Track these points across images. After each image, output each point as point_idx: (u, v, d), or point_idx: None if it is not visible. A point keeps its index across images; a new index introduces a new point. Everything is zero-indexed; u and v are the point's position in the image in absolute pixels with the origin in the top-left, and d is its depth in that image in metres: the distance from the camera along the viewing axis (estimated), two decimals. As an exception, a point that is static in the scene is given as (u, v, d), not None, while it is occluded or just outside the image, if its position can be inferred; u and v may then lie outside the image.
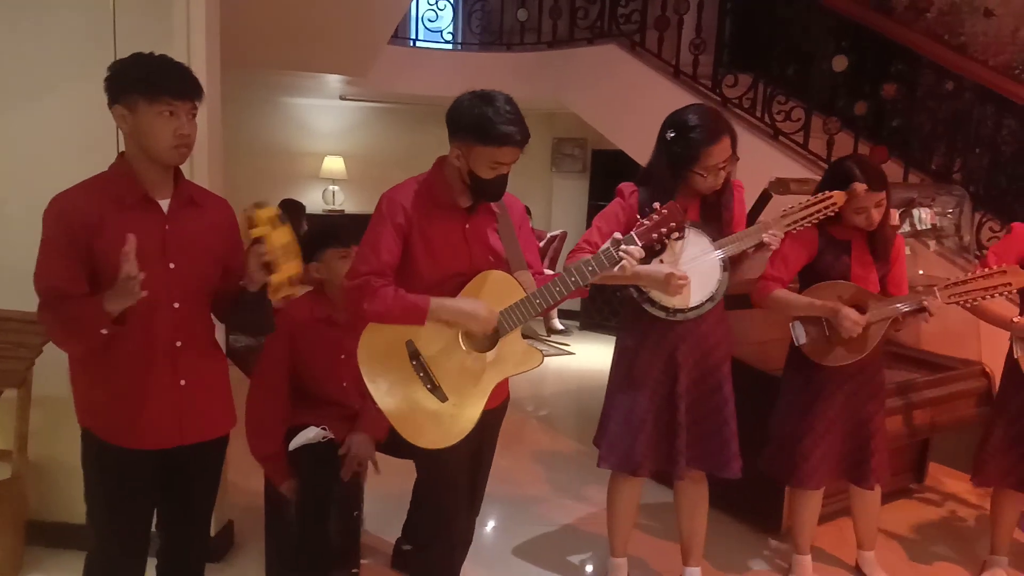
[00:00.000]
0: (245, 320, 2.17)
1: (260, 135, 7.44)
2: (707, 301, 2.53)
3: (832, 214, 2.54)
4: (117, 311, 1.80)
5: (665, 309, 2.53)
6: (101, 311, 1.78)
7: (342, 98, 7.67)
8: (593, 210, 7.92)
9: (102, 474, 2.00)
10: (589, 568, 3.15)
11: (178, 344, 1.96)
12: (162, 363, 1.95)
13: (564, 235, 7.45)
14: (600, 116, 5.83)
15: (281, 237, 1.92)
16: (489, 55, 6.62)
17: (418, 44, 6.99)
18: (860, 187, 2.57)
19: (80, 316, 1.83)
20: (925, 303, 2.57)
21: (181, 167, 2.02)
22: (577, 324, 7.89)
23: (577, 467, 4.24)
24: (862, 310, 2.64)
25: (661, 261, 2.47)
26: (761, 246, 2.47)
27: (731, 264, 2.54)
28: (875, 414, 2.81)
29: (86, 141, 2.71)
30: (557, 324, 7.61)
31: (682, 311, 2.53)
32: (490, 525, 3.48)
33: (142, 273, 1.74)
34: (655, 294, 2.52)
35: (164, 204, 1.96)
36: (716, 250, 2.50)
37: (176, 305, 1.95)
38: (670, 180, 2.50)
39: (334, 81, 6.59)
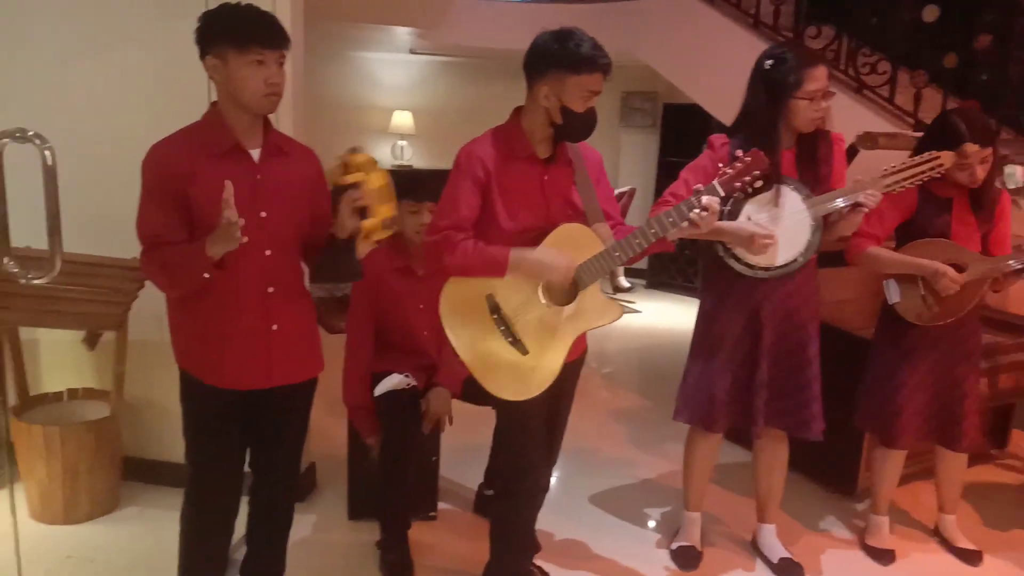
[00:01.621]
0: (336, 266, 2.18)
1: (329, 89, 7.49)
2: (793, 261, 2.48)
3: (939, 176, 2.45)
4: (218, 256, 1.86)
5: (750, 266, 2.50)
6: (203, 256, 1.84)
7: (412, 52, 7.65)
8: (663, 166, 7.81)
9: (198, 413, 2.09)
10: (653, 522, 3.18)
11: (270, 290, 2.02)
12: (254, 308, 2.01)
13: (633, 191, 7.36)
14: (674, 68, 5.70)
15: (379, 180, 1.97)
16: (559, 6, 6.51)
17: (488, -4, 6.92)
18: (971, 147, 2.47)
19: (183, 262, 1.90)
20: None
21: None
22: (643, 282, 7.84)
23: (640, 422, 4.28)
24: (960, 269, 2.56)
25: (748, 217, 2.43)
26: (856, 206, 2.40)
27: (824, 223, 2.48)
28: (968, 375, 2.74)
29: (174, 88, 2.76)
30: (623, 282, 7.57)
31: (766, 269, 2.49)
32: (562, 475, 3.53)
33: (242, 219, 1.80)
34: (740, 251, 2.49)
35: (255, 153, 2.01)
36: (808, 209, 2.44)
37: (268, 252, 2.01)
38: (770, 113, 2.44)
39: (404, 34, 6.59)
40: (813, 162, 2.51)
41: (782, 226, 2.44)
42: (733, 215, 2.44)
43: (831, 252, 2.74)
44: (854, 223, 2.49)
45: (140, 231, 1.96)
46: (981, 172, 2.55)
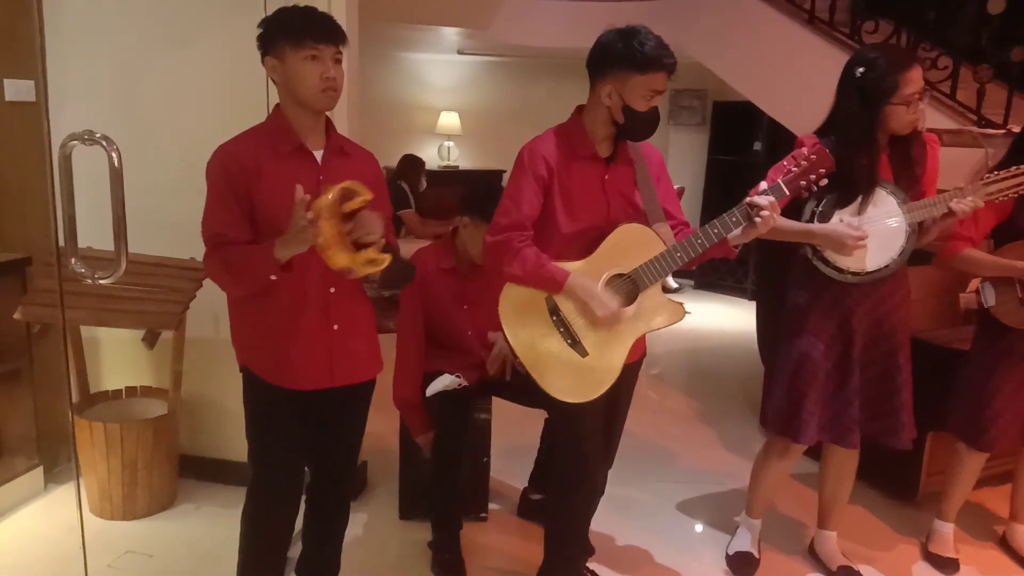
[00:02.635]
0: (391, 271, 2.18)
1: (377, 89, 7.54)
2: (886, 267, 2.41)
3: None
4: (286, 258, 1.86)
5: (839, 270, 2.42)
6: (271, 258, 1.85)
7: (459, 52, 7.68)
8: (712, 164, 7.70)
9: (261, 412, 2.10)
10: (701, 526, 3.13)
11: (332, 290, 2.02)
12: (316, 308, 2.01)
13: (682, 190, 7.27)
14: (727, 67, 5.60)
15: (326, 229, 1.79)
16: (607, 4, 6.45)
17: (536, -5, 6.91)
18: None
19: (250, 262, 1.91)
20: None
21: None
22: (692, 283, 7.75)
23: (689, 424, 4.23)
24: None
25: (841, 220, 2.37)
26: (951, 213, 2.33)
27: (919, 228, 2.40)
28: None
29: (235, 89, 2.80)
30: (671, 283, 7.49)
31: (856, 274, 2.42)
32: (614, 475, 3.49)
33: (312, 224, 1.77)
34: (829, 253, 2.41)
35: (318, 155, 2.02)
36: (904, 214, 2.37)
37: None
38: (868, 120, 2.36)
39: (452, 35, 6.62)
40: (908, 164, 2.43)
41: (876, 230, 2.36)
42: (825, 217, 2.38)
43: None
44: (947, 228, 2.42)
45: (205, 231, 1.97)
46: None
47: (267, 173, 1.94)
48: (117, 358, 3.25)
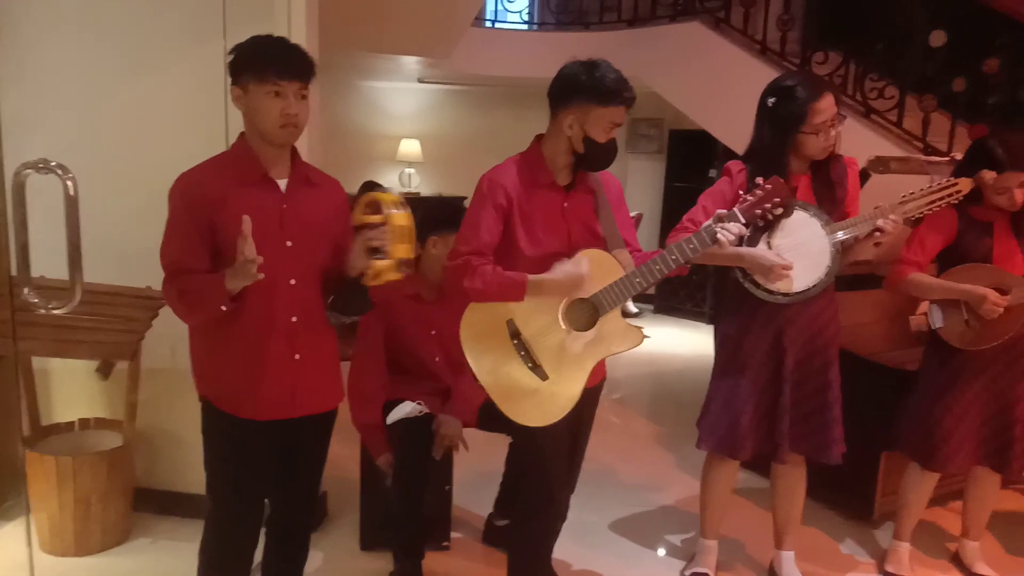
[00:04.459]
0: (345, 300, 2.17)
1: (338, 118, 7.53)
2: (814, 286, 2.47)
3: (956, 202, 2.46)
4: (236, 289, 1.87)
5: (769, 291, 2.49)
6: (222, 288, 1.84)
7: (420, 80, 7.72)
8: (670, 192, 7.84)
9: (221, 443, 2.07)
10: (664, 550, 3.14)
11: (294, 319, 2.01)
12: (279, 337, 2.00)
13: (640, 217, 7.37)
14: (683, 96, 5.74)
15: (403, 219, 1.94)
16: (567, 35, 6.58)
17: (496, 25, 7.00)
18: (988, 175, 2.50)
19: (201, 292, 1.90)
20: None
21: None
22: (651, 307, 7.83)
23: (652, 448, 4.26)
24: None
25: (768, 243, 2.43)
26: (874, 232, 2.40)
27: (842, 249, 2.47)
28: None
29: (195, 118, 2.78)
30: (631, 307, 7.55)
31: (786, 295, 2.48)
32: (578, 502, 3.49)
33: (260, 257, 1.80)
34: (759, 277, 2.48)
35: (282, 183, 2.01)
36: (827, 235, 2.44)
37: (292, 282, 2.00)
38: (778, 149, 2.44)
39: (412, 63, 6.65)
40: (829, 186, 2.51)
41: (801, 252, 2.43)
42: (753, 241, 2.43)
43: (847, 276, 2.74)
44: (869, 249, 2.49)
45: (163, 259, 1.96)
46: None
47: (231, 202, 1.92)
48: (70, 389, 3.17)
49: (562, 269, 2.13)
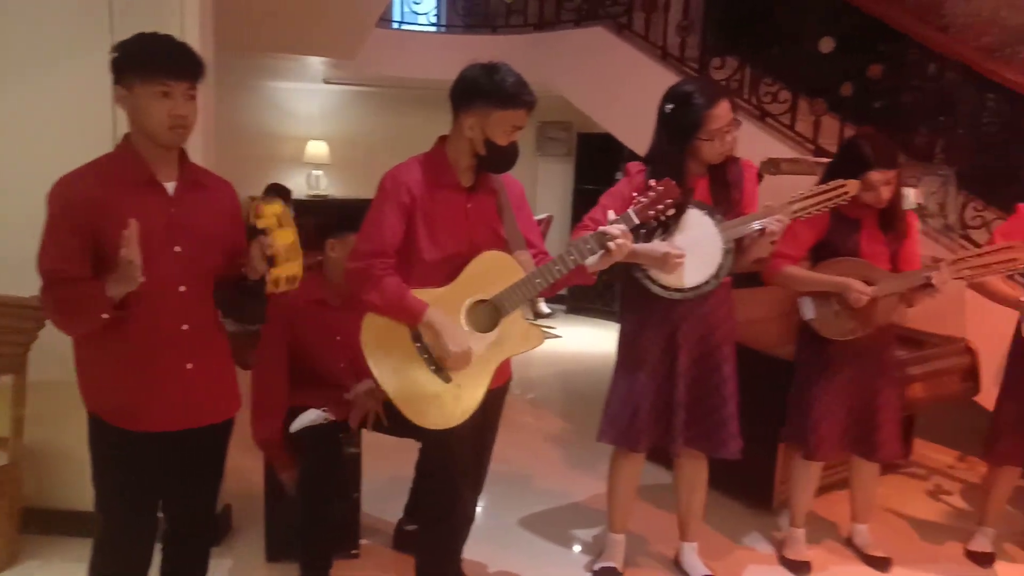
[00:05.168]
0: (242, 307, 2.13)
1: (241, 119, 7.34)
2: (706, 283, 2.55)
3: (845, 203, 2.56)
4: (119, 296, 1.79)
5: (664, 287, 2.55)
6: (103, 295, 1.77)
7: (326, 81, 7.60)
8: (579, 194, 7.96)
9: (110, 458, 1.99)
10: (581, 545, 3.19)
11: (184, 327, 1.95)
12: (169, 346, 1.94)
13: (550, 219, 7.45)
14: (587, 99, 5.83)
15: (285, 237, 1.89)
16: (474, 38, 6.60)
17: (404, 27, 6.95)
18: (876, 176, 2.63)
19: (81, 299, 1.82)
20: (931, 278, 2.59)
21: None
22: (564, 308, 7.92)
23: (565, 446, 4.30)
24: (870, 285, 2.68)
25: (663, 241, 2.49)
26: (764, 232, 2.48)
27: (736, 247, 2.55)
28: (883, 389, 2.86)
29: (80, 121, 2.68)
30: (543, 308, 7.63)
31: (679, 290, 2.55)
32: (489, 502, 3.50)
33: (139, 258, 1.73)
34: (654, 272, 2.54)
35: (169, 187, 1.95)
36: (720, 232, 2.51)
37: (182, 289, 1.94)
38: (676, 154, 2.51)
39: (317, 64, 6.54)
40: (725, 188, 2.59)
41: (695, 249, 2.50)
42: (648, 238, 2.49)
43: (744, 274, 2.83)
44: (765, 247, 2.58)
45: (40, 265, 1.87)
46: (886, 193, 2.69)
47: (115, 206, 1.85)
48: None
49: (457, 336, 2.13)
